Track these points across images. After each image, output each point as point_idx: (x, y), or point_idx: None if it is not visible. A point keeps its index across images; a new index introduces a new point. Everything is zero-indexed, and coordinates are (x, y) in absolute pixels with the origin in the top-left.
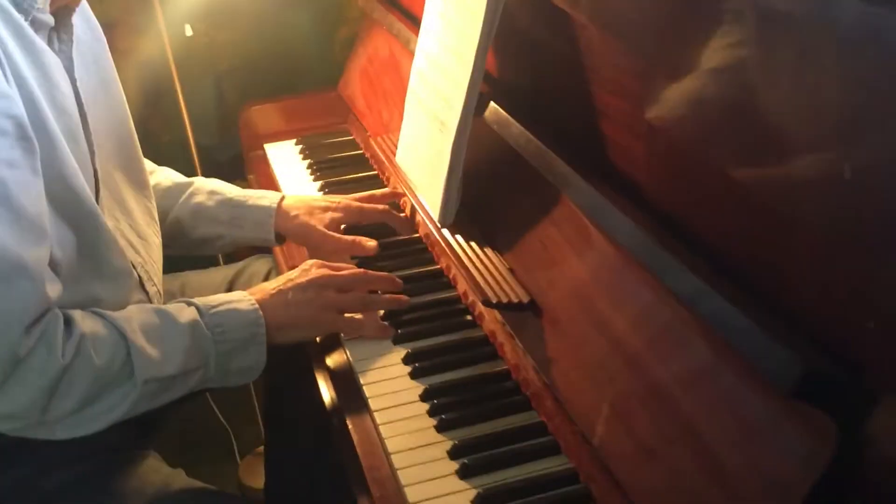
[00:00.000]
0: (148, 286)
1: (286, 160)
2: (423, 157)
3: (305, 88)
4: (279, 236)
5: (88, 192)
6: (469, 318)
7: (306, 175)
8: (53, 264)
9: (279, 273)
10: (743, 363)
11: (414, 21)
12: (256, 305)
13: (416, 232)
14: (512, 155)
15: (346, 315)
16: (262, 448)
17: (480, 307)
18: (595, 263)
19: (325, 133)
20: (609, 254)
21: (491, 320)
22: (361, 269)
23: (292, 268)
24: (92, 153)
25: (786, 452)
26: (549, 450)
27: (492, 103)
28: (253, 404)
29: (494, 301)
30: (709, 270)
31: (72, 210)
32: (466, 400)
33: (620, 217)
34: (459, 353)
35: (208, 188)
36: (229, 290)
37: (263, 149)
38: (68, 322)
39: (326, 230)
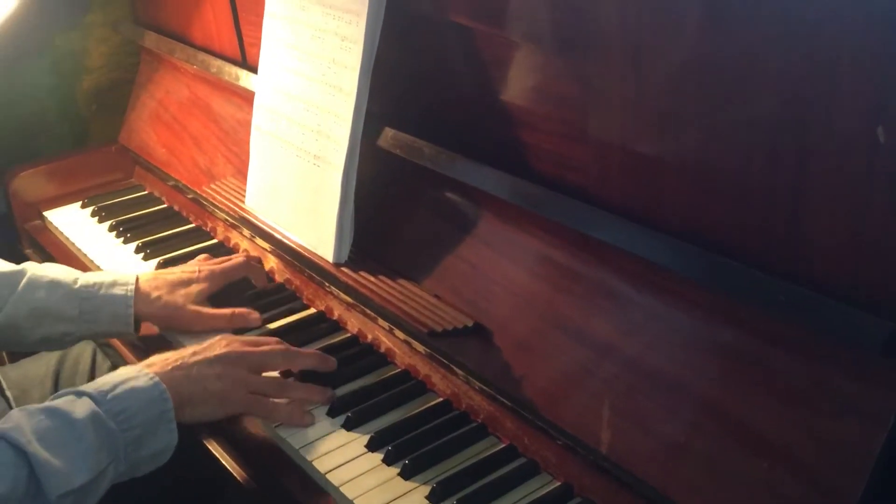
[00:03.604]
0: (6, 389)
1: (78, 225)
2: (294, 196)
3: (50, 150)
4: (137, 324)
5: None
6: (375, 357)
7: (112, 238)
8: None
9: (109, 350)
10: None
11: (220, 57)
12: (156, 378)
13: (274, 279)
14: (414, 179)
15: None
16: None
17: (388, 343)
18: (552, 270)
19: (113, 192)
20: (571, 255)
21: (404, 354)
22: (283, 346)
23: (125, 342)
24: None
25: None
26: (529, 471)
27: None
28: None
29: (440, 330)
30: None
31: None
32: (418, 440)
33: (570, 205)
34: (383, 393)
35: (47, 278)
36: (56, 381)
37: (43, 217)
38: None
39: (196, 308)
